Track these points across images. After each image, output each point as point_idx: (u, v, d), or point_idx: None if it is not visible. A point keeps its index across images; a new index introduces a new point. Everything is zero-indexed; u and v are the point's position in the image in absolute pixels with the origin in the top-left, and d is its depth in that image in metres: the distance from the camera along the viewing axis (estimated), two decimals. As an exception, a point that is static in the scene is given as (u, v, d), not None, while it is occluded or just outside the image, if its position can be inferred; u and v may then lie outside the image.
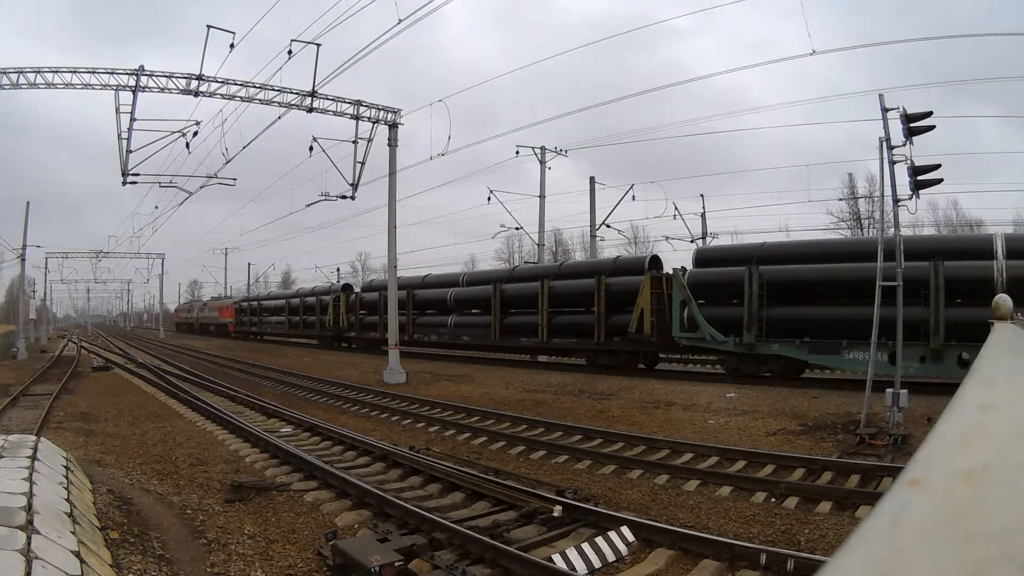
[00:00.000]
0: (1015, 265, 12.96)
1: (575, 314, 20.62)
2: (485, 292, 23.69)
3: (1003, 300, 2.96)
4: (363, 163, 20.26)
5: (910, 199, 10.43)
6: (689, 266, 18.08)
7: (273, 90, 18.70)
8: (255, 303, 47.25)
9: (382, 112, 20.19)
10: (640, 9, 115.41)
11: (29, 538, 3.89)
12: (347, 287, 35.32)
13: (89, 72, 17.42)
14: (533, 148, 27.30)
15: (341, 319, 32.50)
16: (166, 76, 17.62)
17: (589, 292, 19.60)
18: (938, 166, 10.31)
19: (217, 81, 17.98)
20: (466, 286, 25.51)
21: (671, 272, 17.87)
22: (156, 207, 28.84)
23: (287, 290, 50.34)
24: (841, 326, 14.59)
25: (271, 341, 42.81)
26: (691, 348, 18.24)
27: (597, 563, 5.61)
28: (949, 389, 11.55)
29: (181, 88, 17.76)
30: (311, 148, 19.88)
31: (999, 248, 13.38)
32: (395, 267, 21.00)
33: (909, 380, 12.91)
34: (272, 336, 44.39)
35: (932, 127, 10.12)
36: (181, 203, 23.10)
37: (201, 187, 20.65)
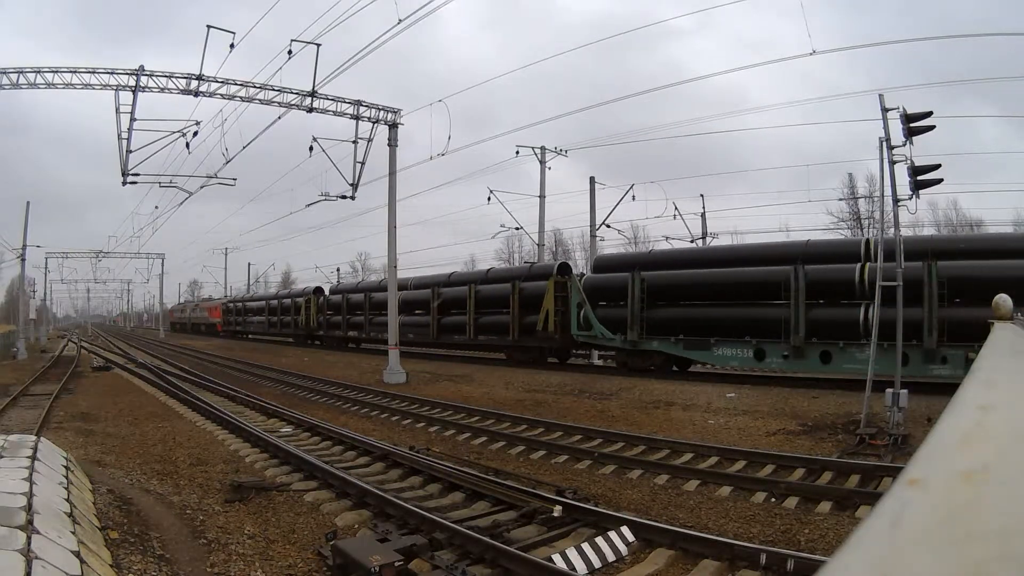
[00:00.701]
0: (876, 268, 12.40)
1: (497, 315, 22.89)
2: (426, 295, 26.27)
3: (1003, 300, 2.96)
4: (363, 163, 20.27)
5: (910, 199, 10.43)
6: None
7: (273, 90, 18.71)
8: (240, 304, 50.66)
9: (382, 112, 20.19)
10: (640, 9, 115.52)
11: (29, 538, 3.89)
12: (318, 290, 37.98)
13: (89, 72, 17.42)
14: (533, 148, 27.31)
15: (312, 319, 35.96)
16: (166, 76, 17.63)
17: (507, 295, 21.92)
18: (938, 166, 10.31)
19: (217, 81, 17.99)
20: (412, 290, 28.09)
21: (569, 280, 20.07)
22: (156, 207, 28.84)
23: (267, 292, 53.86)
24: (711, 325, 16.28)
25: (256, 340, 44.04)
26: (588, 344, 20.26)
27: (597, 563, 5.61)
28: (949, 389, 11.55)
29: (181, 88, 17.76)
30: (311, 148, 19.90)
31: (862, 253, 14.84)
32: (395, 267, 21.01)
33: (836, 378, 14.46)
34: (255, 334, 47.26)
35: (932, 127, 10.13)
36: (181, 203, 23.12)
37: (201, 187, 20.67)
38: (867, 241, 15.43)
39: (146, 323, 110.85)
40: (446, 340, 25.47)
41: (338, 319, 33.08)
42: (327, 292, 37.33)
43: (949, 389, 10.58)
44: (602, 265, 20.56)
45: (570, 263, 22.82)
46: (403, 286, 28.00)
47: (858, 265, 14.39)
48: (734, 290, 16.09)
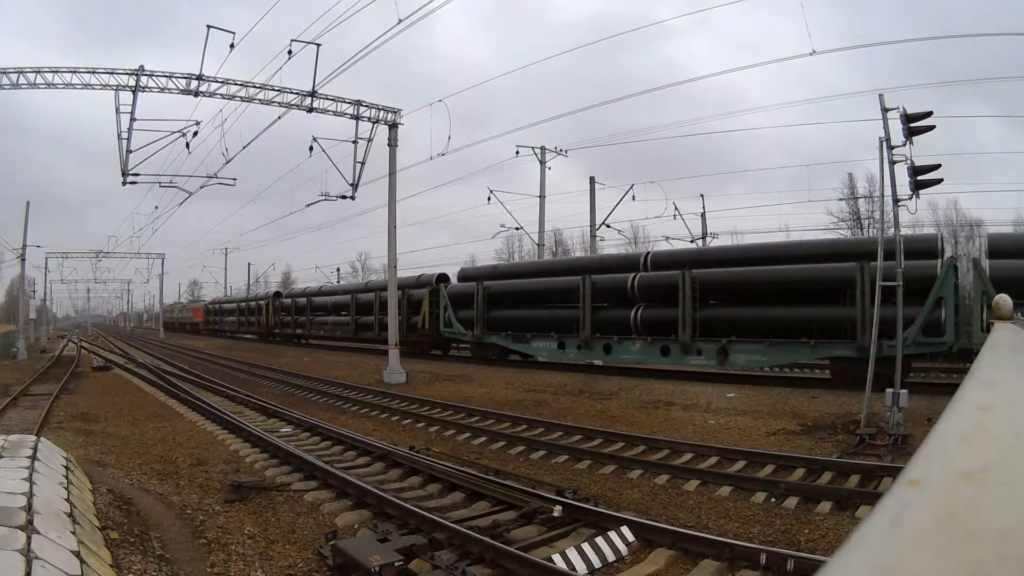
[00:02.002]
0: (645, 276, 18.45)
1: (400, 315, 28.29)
2: (347, 300, 32.22)
3: (1003, 300, 2.97)
4: (363, 163, 20.27)
5: (910, 199, 10.44)
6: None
7: (273, 90, 18.70)
8: (216, 306, 58.26)
9: (382, 112, 20.19)
10: (634, 8, 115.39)
11: (29, 538, 3.89)
12: (277, 294, 44.79)
13: (89, 72, 17.42)
14: (533, 148, 27.35)
15: (270, 319, 42.02)
16: (166, 76, 17.63)
17: (401, 301, 26.53)
18: (938, 166, 10.31)
19: (217, 81, 17.98)
20: (340, 295, 34.43)
21: (440, 288, 25.46)
22: (156, 207, 28.87)
23: (238, 296, 58.83)
24: (528, 324, 21.14)
25: (259, 340, 45.55)
26: (451, 338, 25.25)
27: (597, 563, 5.61)
28: (949, 389, 11.55)
29: (181, 88, 17.76)
30: (311, 148, 19.91)
31: (642, 262, 19.17)
32: (395, 267, 21.02)
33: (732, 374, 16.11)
34: (228, 332, 53.38)
35: (932, 127, 10.13)
36: (181, 203, 23.12)
37: (201, 187, 20.67)
38: (646, 256, 19.83)
39: (146, 323, 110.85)
40: (360, 336, 30.76)
41: (288, 319, 39.67)
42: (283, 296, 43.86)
43: (949, 389, 10.58)
44: (463, 276, 25.99)
45: (448, 275, 27.94)
46: (333, 292, 36.21)
47: (631, 275, 18.54)
48: (544, 296, 21.00)
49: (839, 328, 14.73)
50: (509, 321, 21.85)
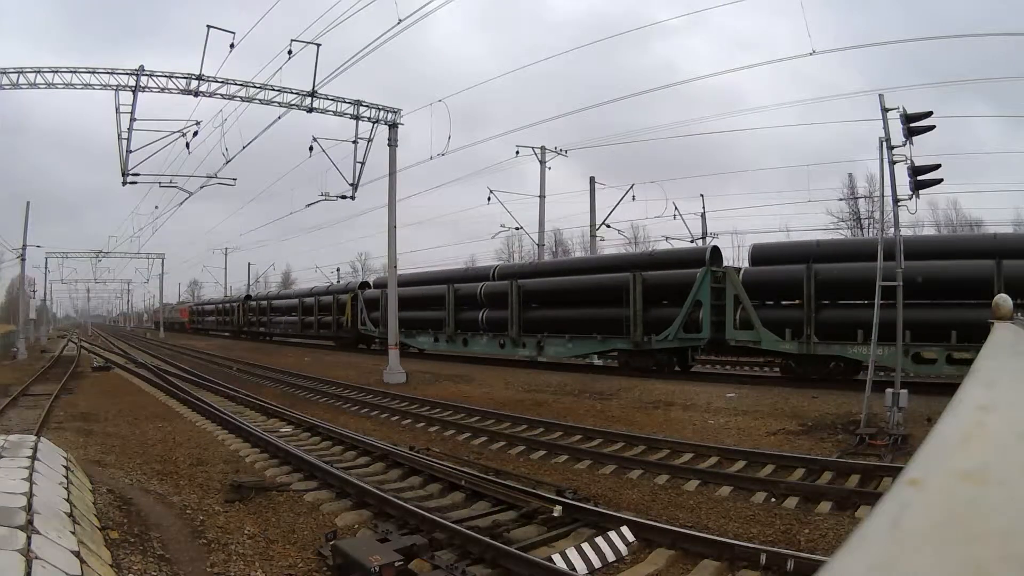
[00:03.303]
0: (490, 285, 23.09)
1: (328, 316, 34.26)
2: (295, 303, 38.90)
3: (1003, 300, 2.97)
4: (363, 163, 20.27)
5: (910, 199, 10.43)
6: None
7: (273, 90, 18.69)
8: (199, 307, 67.65)
9: (382, 112, 20.19)
10: (626, 7, 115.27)
11: (29, 538, 3.89)
12: (248, 297, 50.57)
13: (89, 72, 17.42)
14: (533, 148, 27.34)
15: (241, 319, 48.56)
16: (166, 76, 17.62)
17: (332, 304, 33.70)
18: (938, 166, 10.30)
19: (217, 81, 17.97)
20: (290, 299, 41.00)
21: (358, 292, 30.85)
22: (156, 207, 28.89)
23: (216, 297, 66.08)
24: (414, 322, 25.78)
25: (255, 340, 47.28)
26: (367, 336, 30.43)
27: (597, 563, 5.61)
28: (949, 389, 11.55)
29: (181, 88, 17.75)
30: (311, 148, 19.89)
31: (491, 275, 23.92)
32: (395, 267, 21.02)
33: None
34: (208, 330, 59.99)
35: (932, 127, 10.12)
36: (181, 203, 23.14)
37: (201, 187, 20.67)
38: (494, 269, 25.07)
39: (146, 323, 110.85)
40: (306, 333, 37.15)
41: (254, 319, 45.97)
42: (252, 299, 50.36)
43: (949, 389, 10.57)
44: (376, 284, 31.37)
45: (369, 281, 34.25)
46: (289, 295, 43.69)
47: (481, 284, 23.51)
48: (425, 301, 25.60)
49: (618, 325, 18.25)
50: (404, 320, 25.41)
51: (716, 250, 18.61)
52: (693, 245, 26.59)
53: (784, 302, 16.49)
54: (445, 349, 25.07)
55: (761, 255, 17.54)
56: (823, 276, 15.29)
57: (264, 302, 44.96)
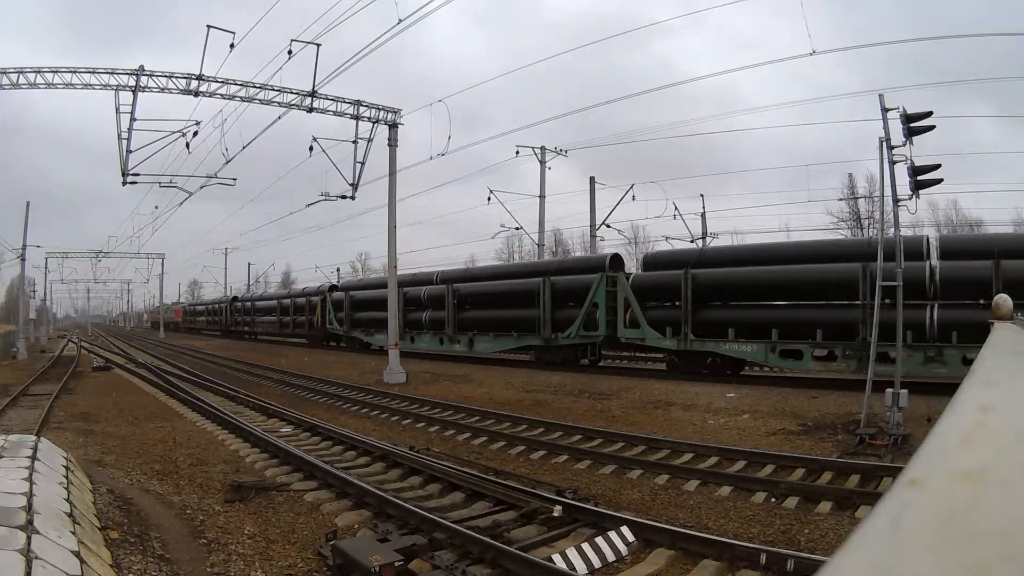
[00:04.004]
0: (430, 288, 25.80)
1: (302, 316, 37.50)
2: (274, 305, 42.36)
3: (1003, 300, 2.97)
4: (363, 163, 20.26)
5: (910, 199, 10.42)
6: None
7: (273, 90, 18.69)
8: (191, 308, 72.25)
9: (382, 112, 20.18)
10: (622, 7, 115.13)
11: (29, 538, 3.89)
12: (235, 298, 53.14)
13: (89, 72, 17.41)
14: (533, 148, 27.32)
15: (228, 318, 51.97)
16: (166, 76, 17.62)
17: (305, 305, 37.14)
18: (938, 166, 10.29)
19: (217, 81, 17.96)
20: (272, 300, 44.41)
21: (326, 295, 33.74)
22: (156, 207, 28.88)
23: (207, 299, 69.91)
24: (372, 321, 28.05)
25: (256, 340, 48.45)
26: (334, 334, 33.48)
27: (597, 563, 5.61)
28: (949, 389, 11.55)
29: (181, 88, 17.74)
30: (311, 148, 19.89)
31: (435, 279, 26.03)
32: (395, 267, 21.02)
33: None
34: (200, 329, 63.56)
35: (932, 127, 10.12)
36: (181, 203, 23.10)
37: (201, 187, 20.66)
38: (437, 274, 26.45)
39: (145, 323, 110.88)
40: (284, 332, 40.23)
41: (240, 319, 49.58)
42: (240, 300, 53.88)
43: (949, 389, 10.55)
44: (343, 287, 34.38)
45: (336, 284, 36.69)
46: (269, 298, 46.58)
47: (424, 288, 25.92)
48: (378, 303, 25.78)
49: (532, 324, 20.77)
50: (363, 320, 29.80)
51: (617, 257, 21.11)
52: (594, 254, 27.15)
53: (666, 303, 18.09)
54: (380, 342, 28.21)
55: (651, 261, 19.85)
56: (700, 280, 17.00)
57: (249, 303, 48.35)
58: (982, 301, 12.28)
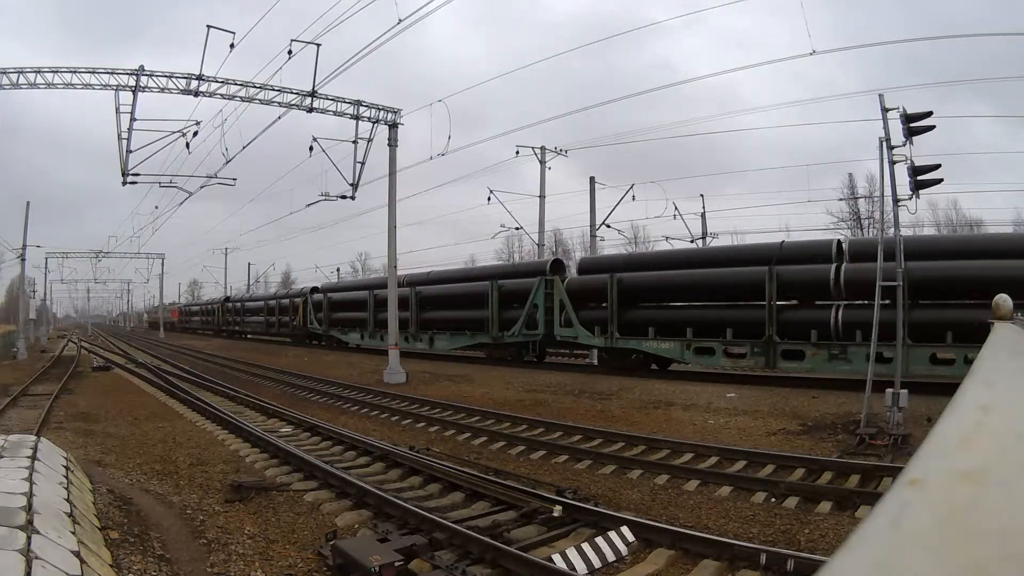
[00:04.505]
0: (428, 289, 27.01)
1: (285, 316, 39.87)
2: (261, 305, 44.68)
3: (1003, 300, 2.96)
4: (363, 163, 20.26)
5: (910, 199, 10.42)
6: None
7: (273, 90, 18.69)
8: (187, 308, 75.53)
9: (382, 112, 20.18)
10: (621, 6, 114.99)
11: (29, 538, 3.89)
12: (227, 299, 55.02)
13: (89, 72, 17.41)
14: (533, 148, 27.27)
15: (220, 318, 54.23)
16: (166, 76, 17.61)
17: (288, 306, 39.28)
18: (938, 166, 10.29)
19: (217, 81, 17.96)
20: (259, 301, 46.52)
21: (308, 296, 36.36)
22: (156, 207, 28.85)
23: (202, 300, 74.18)
24: (349, 321, 31.46)
25: (252, 339, 49.01)
26: (313, 333, 35.50)
27: (597, 563, 5.61)
28: (949, 389, 11.54)
29: (181, 88, 17.74)
30: (311, 148, 19.89)
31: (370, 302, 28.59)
32: (395, 267, 21.01)
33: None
34: (195, 328, 65.89)
35: (932, 127, 10.11)
36: (181, 203, 23.11)
37: (201, 187, 20.66)
38: (405, 278, 26.66)
39: (144, 323, 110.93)
40: (270, 331, 42.23)
41: (231, 319, 51.84)
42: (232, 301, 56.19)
43: (949, 389, 10.55)
44: (325, 289, 36.07)
45: (318, 286, 38.71)
46: (259, 299, 48.56)
47: (369, 292, 28.61)
48: (352, 304, 30.74)
49: (483, 324, 22.76)
50: (340, 320, 32.49)
51: (558, 262, 23.05)
52: (537, 260, 27.93)
53: (599, 304, 19.18)
54: (368, 344, 29.86)
55: (585, 266, 21.47)
56: (625, 283, 18.44)
57: (239, 304, 50.96)
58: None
